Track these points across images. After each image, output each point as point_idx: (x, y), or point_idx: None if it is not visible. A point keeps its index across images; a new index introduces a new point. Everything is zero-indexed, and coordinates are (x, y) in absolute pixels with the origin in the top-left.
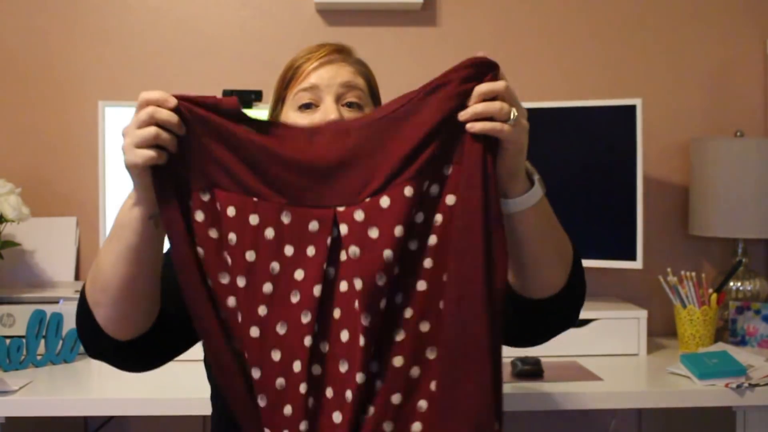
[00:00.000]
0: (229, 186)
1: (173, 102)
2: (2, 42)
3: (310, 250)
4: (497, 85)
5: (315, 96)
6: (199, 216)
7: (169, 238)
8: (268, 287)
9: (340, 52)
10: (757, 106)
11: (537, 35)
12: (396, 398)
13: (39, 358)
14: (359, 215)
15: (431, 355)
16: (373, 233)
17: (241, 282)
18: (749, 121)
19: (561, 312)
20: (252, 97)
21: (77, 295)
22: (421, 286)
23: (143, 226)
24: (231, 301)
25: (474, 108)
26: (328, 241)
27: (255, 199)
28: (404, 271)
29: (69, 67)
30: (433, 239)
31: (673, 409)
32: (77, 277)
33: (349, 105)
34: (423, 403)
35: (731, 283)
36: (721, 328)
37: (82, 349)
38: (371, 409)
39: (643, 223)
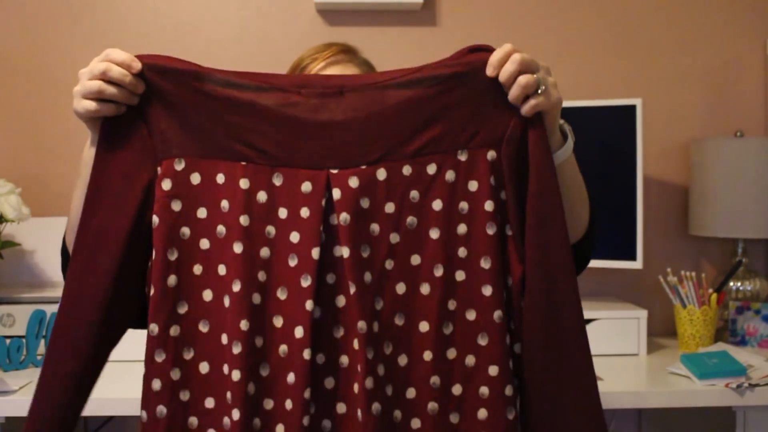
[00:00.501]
0: (213, 153)
1: (137, 68)
2: (2, 42)
3: (305, 212)
4: (501, 54)
5: None
6: (166, 185)
7: (96, 195)
8: (265, 252)
9: (347, 53)
10: (757, 106)
11: (537, 35)
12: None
13: (39, 358)
14: (353, 182)
15: (483, 341)
16: (365, 203)
17: (237, 248)
18: (749, 121)
19: (583, 256)
20: None
21: None
22: (460, 276)
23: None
24: (172, 279)
25: (514, 95)
26: (323, 202)
27: (243, 163)
28: (407, 252)
29: (69, 67)
30: (462, 228)
31: (673, 409)
32: None
33: None
34: (485, 390)
35: (731, 283)
36: (721, 328)
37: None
38: (411, 392)
39: (643, 223)
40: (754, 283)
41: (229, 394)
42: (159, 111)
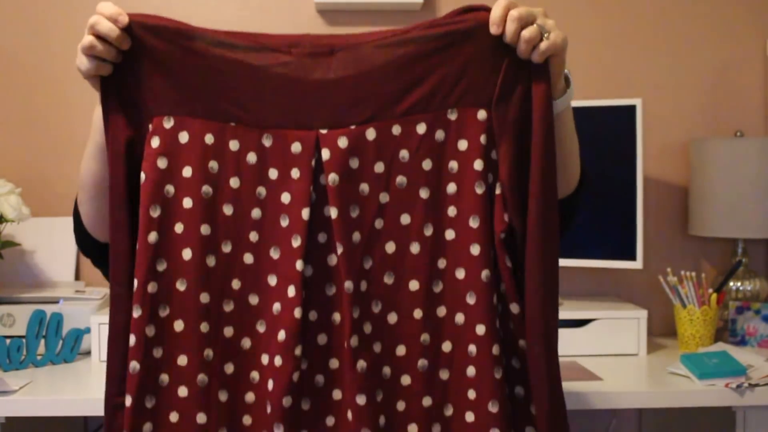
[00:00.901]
0: (204, 113)
1: (123, 21)
2: (2, 42)
3: (295, 173)
4: (500, 7)
5: None
6: (155, 142)
7: (109, 151)
8: (256, 213)
9: None
10: (757, 106)
11: None
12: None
13: (39, 358)
14: (343, 142)
15: (471, 300)
16: (354, 163)
17: (228, 210)
18: (749, 121)
19: (574, 211)
20: None
21: (77, 295)
22: (450, 235)
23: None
24: (152, 236)
25: (522, 50)
26: (312, 163)
27: (233, 124)
28: (397, 212)
29: (69, 67)
30: (452, 187)
31: (673, 409)
32: (77, 277)
33: None
34: (473, 348)
35: (731, 283)
36: (721, 328)
37: (82, 348)
38: (401, 349)
39: (643, 223)
40: (754, 283)
41: (209, 351)
42: (149, 69)
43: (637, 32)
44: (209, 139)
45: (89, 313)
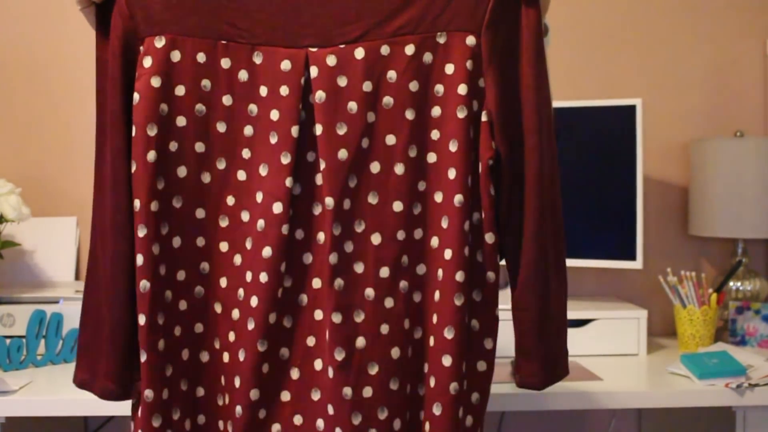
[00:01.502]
0: (195, 31)
1: None
2: (2, 42)
3: (284, 90)
4: None
5: None
6: (147, 62)
7: (101, 80)
8: (248, 130)
9: None
10: (757, 106)
11: None
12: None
13: (39, 358)
14: (331, 60)
15: (445, 223)
16: (342, 81)
17: (221, 127)
18: (749, 121)
19: None
20: None
21: (77, 295)
22: (431, 158)
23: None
24: (151, 155)
25: None
26: (302, 81)
27: (224, 42)
28: (383, 131)
29: (69, 68)
30: (436, 110)
31: (673, 409)
32: (77, 277)
33: None
34: (440, 273)
35: (731, 283)
36: (721, 328)
37: None
38: (385, 271)
39: (643, 223)
40: (754, 283)
41: (205, 264)
42: None
43: (636, 32)
44: (201, 57)
45: None
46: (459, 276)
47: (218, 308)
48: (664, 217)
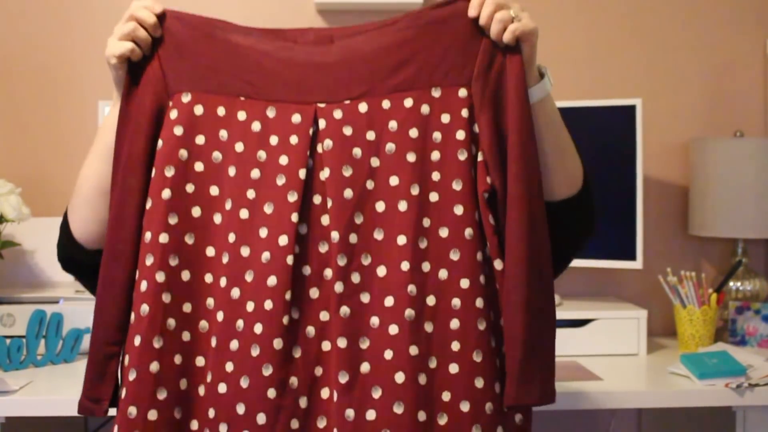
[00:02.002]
0: (217, 89)
1: (158, 10)
2: (2, 42)
3: (293, 139)
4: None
5: None
6: (173, 114)
7: (123, 128)
8: (255, 173)
9: None
10: (757, 106)
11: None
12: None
13: (39, 358)
14: (338, 114)
15: (455, 256)
16: (347, 131)
17: (231, 171)
18: (749, 121)
19: (581, 218)
20: None
21: (77, 295)
22: (434, 197)
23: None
24: (166, 193)
25: (495, 31)
26: (310, 132)
27: (242, 98)
28: (386, 174)
29: (68, 67)
30: (435, 154)
31: (673, 409)
32: None
33: None
34: (457, 302)
35: (731, 283)
36: (720, 328)
37: (82, 348)
38: (390, 300)
39: (643, 223)
40: (754, 283)
41: (210, 300)
42: (173, 52)
43: (637, 32)
44: (221, 110)
45: (89, 313)
46: (479, 302)
47: (213, 342)
48: (664, 217)
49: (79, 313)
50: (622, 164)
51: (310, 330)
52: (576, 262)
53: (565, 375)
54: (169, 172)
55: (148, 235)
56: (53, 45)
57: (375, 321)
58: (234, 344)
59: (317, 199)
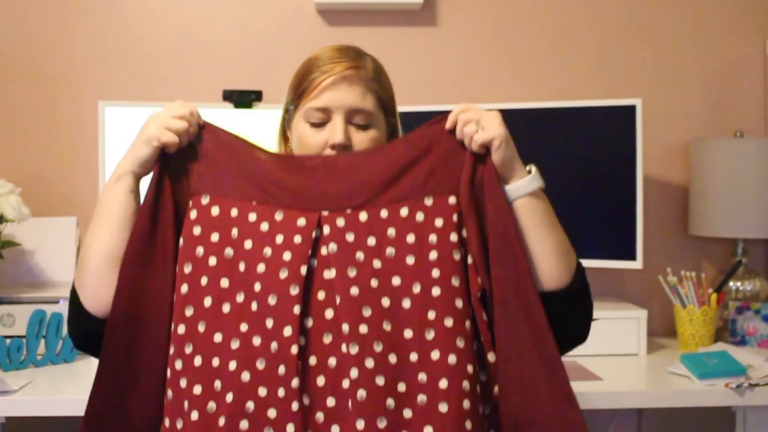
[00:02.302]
0: (233, 194)
1: (197, 114)
2: (2, 42)
3: (297, 239)
4: (454, 112)
5: (326, 116)
6: (193, 214)
7: (148, 220)
8: (261, 267)
9: (356, 68)
10: (757, 106)
11: (537, 35)
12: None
13: (39, 358)
14: (340, 221)
15: (461, 343)
16: (350, 237)
17: (241, 266)
18: (749, 121)
19: (564, 316)
20: (252, 97)
21: None
22: (436, 291)
23: (126, 199)
24: (184, 287)
25: (466, 144)
26: (313, 235)
27: (254, 202)
28: (389, 274)
29: (69, 68)
30: (433, 254)
31: (673, 409)
32: None
33: (357, 125)
34: (466, 384)
35: (731, 283)
36: (720, 328)
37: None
38: (402, 386)
39: (643, 223)
40: (754, 283)
41: (218, 383)
42: (200, 158)
43: (637, 32)
44: (234, 212)
45: None
46: (465, 385)
47: (221, 421)
48: (664, 217)
49: None
50: (622, 164)
51: (319, 416)
52: None
53: None
54: (188, 269)
55: (173, 328)
56: (53, 45)
57: (390, 403)
58: (243, 424)
59: (321, 295)
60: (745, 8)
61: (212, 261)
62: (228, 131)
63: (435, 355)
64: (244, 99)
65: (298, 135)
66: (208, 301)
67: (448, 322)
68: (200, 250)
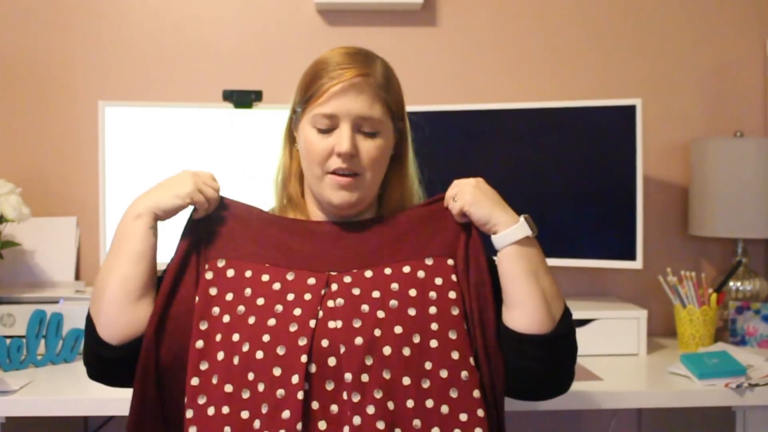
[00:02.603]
0: (248, 257)
1: (218, 189)
2: (2, 42)
3: (307, 296)
4: (448, 193)
5: (333, 123)
6: (209, 275)
7: (175, 277)
8: (272, 321)
9: (365, 76)
10: (757, 106)
11: (537, 35)
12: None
13: (39, 358)
14: (347, 279)
15: (454, 394)
16: (356, 291)
17: (251, 320)
18: (749, 121)
19: (544, 359)
20: (252, 97)
21: (77, 295)
22: (433, 343)
23: (145, 235)
24: (199, 343)
25: (452, 208)
26: (322, 292)
27: (267, 265)
28: (391, 324)
29: (69, 68)
30: (433, 309)
31: (673, 409)
32: (77, 277)
33: (364, 133)
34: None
35: (731, 283)
36: (720, 328)
37: (82, 348)
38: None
39: (643, 223)
40: (754, 283)
41: (228, 429)
42: (218, 227)
43: (636, 32)
44: (248, 273)
45: None
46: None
47: None
48: (664, 217)
49: (79, 313)
50: (622, 164)
51: None
52: (576, 262)
53: None
54: (203, 326)
55: (188, 380)
56: (53, 45)
57: None
58: None
59: (325, 343)
60: (745, 8)
61: (226, 318)
62: (242, 203)
63: (429, 403)
64: (244, 99)
65: (305, 139)
66: (220, 355)
67: (443, 373)
68: (216, 310)
